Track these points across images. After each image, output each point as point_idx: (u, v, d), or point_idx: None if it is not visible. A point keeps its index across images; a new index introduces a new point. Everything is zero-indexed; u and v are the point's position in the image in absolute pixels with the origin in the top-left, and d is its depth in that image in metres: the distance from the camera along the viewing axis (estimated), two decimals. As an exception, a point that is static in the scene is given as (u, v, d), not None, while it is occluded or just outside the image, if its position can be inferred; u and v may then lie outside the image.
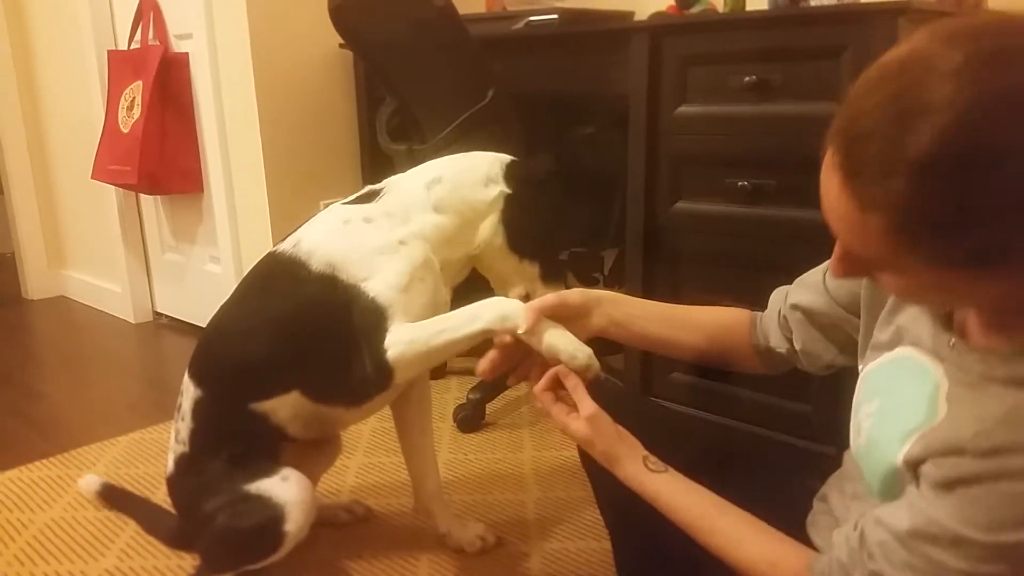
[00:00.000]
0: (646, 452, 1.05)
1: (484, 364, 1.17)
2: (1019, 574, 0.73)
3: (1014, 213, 0.65)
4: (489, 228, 1.42)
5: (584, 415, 1.07)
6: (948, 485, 0.76)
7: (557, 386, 1.11)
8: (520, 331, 1.16)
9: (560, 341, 1.14)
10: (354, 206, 1.41)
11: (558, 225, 1.50)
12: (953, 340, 0.84)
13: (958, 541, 0.75)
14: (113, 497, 1.81)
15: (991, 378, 0.78)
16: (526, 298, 1.46)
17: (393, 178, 1.45)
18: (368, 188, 1.44)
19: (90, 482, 1.82)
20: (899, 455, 0.83)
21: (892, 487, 0.86)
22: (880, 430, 0.89)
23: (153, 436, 2.19)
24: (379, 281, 1.30)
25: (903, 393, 0.87)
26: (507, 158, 1.46)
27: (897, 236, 0.70)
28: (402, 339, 1.26)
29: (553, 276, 1.47)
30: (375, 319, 1.28)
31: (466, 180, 1.41)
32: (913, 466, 0.81)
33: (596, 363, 1.16)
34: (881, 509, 0.85)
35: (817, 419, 1.68)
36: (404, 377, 1.30)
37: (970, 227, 0.67)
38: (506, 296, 1.46)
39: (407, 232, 1.36)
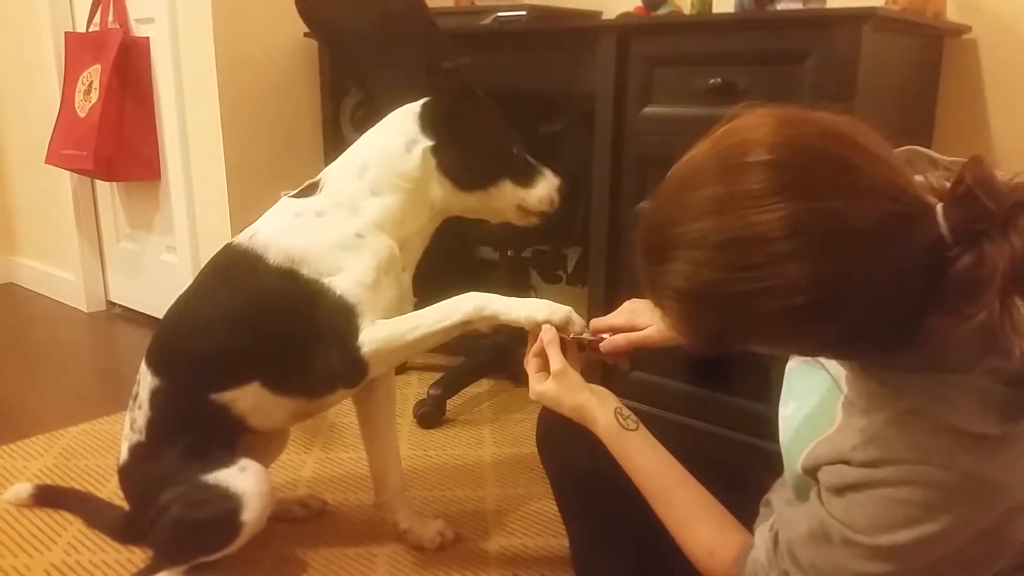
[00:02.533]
0: (619, 404, 1.04)
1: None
2: (904, 571, 0.77)
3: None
4: (437, 185, 1.41)
5: (552, 371, 1.07)
6: (838, 490, 0.80)
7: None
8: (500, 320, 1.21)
9: (534, 307, 1.19)
10: (302, 200, 1.40)
11: (494, 134, 1.46)
12: None
13: (847, 542, 0.79)
14: (51, 497, 1.73)
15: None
16: (524, 212, 1.46)
17: (326, 169, 1.44)
18: (308, 182, 1.43)
19: (20, 491, 1.71)
20: (799, 462, 0.86)
21: (802, 491, 0.89)
22: (792, 436, 0.92)
23: (104, 427, 2.14)
24: (344, 277, 1.30)
25: (811, 400, 0.90)
26: (416, 107, 1.43)
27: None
28: (377, 336, 1.27)
29: (527, 178, 1.46)
30: (344, 316, 1.28)
31: (389, 155, 1.40)
32: (811, 472, 0.85)
33: (577, 319, 1.18)
34: (790, 510, 0.89)
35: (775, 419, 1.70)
36: (378, 372, 1.32)
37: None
38: (505, 219, 1.47)
39: (361, 224, 1.35)
